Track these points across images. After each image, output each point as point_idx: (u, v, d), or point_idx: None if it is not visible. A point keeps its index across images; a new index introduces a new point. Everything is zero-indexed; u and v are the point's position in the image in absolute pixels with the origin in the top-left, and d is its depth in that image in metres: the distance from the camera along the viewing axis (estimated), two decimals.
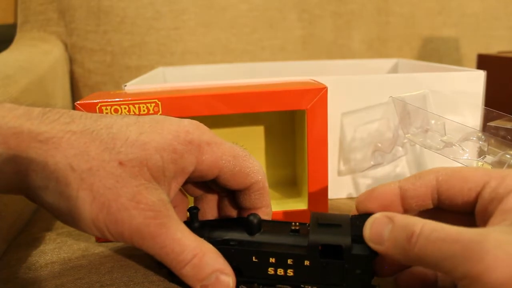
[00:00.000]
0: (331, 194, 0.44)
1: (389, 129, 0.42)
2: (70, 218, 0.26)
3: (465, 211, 0.26)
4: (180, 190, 0.32)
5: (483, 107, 0.42)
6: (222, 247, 0.28)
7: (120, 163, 0.26)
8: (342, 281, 0.27)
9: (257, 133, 0.45)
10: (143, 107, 0.35)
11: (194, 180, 0.31)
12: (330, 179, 0.39)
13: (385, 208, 0.27)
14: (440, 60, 0.83)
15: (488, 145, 0.37)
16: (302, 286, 0.28)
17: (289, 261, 0.28)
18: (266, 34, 0.77)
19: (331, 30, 0.79)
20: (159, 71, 0.60)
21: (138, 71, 0.72)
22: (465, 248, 0.21)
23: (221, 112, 0.36)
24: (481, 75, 0.43)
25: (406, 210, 0.28)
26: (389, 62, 0.63)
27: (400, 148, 0.42)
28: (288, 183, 0.46)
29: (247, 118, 0.44)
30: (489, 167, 0.36)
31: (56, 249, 0.36)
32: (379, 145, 0.42)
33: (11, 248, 0.37)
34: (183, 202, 0.33)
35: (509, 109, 0.41)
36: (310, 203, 0.39)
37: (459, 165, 0.36)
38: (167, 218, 0.26)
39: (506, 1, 0.84)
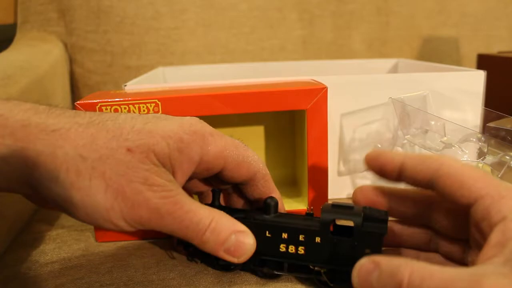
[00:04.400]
0: (331, 194, 0.44)
1: (389, 129, 0.42)
2: (83, 210, 0.25)
3: (456, 210, 0.27)
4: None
5: (483, 107, 0.42)
6: (239, 218, 0.29)
7: (128, 150, 0.26)
8: (351, 261, 0.27)
9: (257, 133, 0.45)
10: (143, 107, 0.35)
11: (201, 175, 0.31)
12: (330, 179, 0.39)
13: (382, 173, 0.29)
14: (440, 60, 0.83)
15: (488, 146, 0.37)
16: (311, 267, 0.29)
17: (301, 237, 0.29)
18: (266, 34, 0.77)
19: (331, 30, 0.79)
20: (159, 71, 0.60)
21: (138, 71, 0.72)
22: None
23: (221, 112, 0.36)
24: (481, 75, 0.43)
25: (399, 179, 0.29)
26: (389, 62, 0.63)
27: (399, 149, 0.42)
28: (288, 183, 0.46)
29: (247, 118, 0.44)
30: (489, 168, 0.36)
31: (56, 249, 0.36)
32: (379, 145, 0.42)
33: (11, 248, 0.37)
34: None
35: (509, 109, 0.41)
36: (310, 203, 0.39)
37: None
38: (180, 196, 0.27)
39: (506, 1, 0.84)
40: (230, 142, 0.30)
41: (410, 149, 0.44)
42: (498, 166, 0.36)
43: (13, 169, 0.24)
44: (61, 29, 0.73)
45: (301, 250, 0.29)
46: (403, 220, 0.31)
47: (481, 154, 0.37)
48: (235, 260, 0.28)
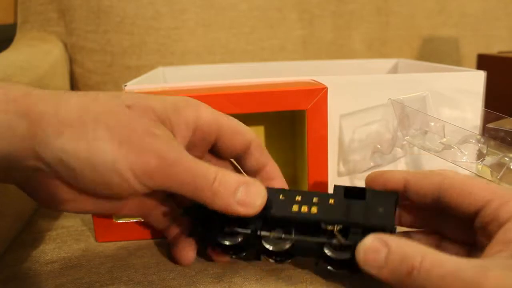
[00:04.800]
0: None
1: (389, 130, 0.42)
2: (88, 164, 0.25)
3: (463, 218, 0.27)
4: None
5: (483, 107, 0.42)
6: None
7: (128, 106, 0.26)
8: (365, 219, 0.27)
9: (257, 133, 0.45)
10: None
11: (198, 147, 0.31)
12: (330, 179, 0.39)
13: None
14: (440, 60, 0.83)
15: (487, 147, 0.37)
16: (323, 226, 0.28)
17: (314, 199, 0.29)
18: (266, 34, 0.77)
19: (331, 30, 0.79)
20: (159, 71, 0.60)
21: (138, 71, 0.72)
22: (466, 287, 0.21)
23: (221, 112, 0.36)
24: (481, 75, 0.43)
25: (405, 199, 0.29)
26: (389, 62, 0.63)
27: (399, 150, 0.42)
28: (288, 183, 0.46)
29: (247, 118, 0.44)
30: (488, 169, 0.36)
31: (56, 249, 0.36)
32: (379, 146, 0.42)
33: (11, 248, 0.37)
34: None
35: (509, 110, 0.41)
36: None
37: (458, 167, 0.36)
38: (182, 148, 0.27)
39: (506, 1, 0.84)
40: (221, 113, 0.31)
41: (410, 150, 0.44)
42: (497, 167, 0.36)
43: (17, 134, 0.24)
44: (61, 29, 0.73)
45: (314, 209, 0.28)
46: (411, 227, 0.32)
47: (480, 156, 0.37)
48: (250, 211, 0.27)
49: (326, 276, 0.31)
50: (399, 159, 0.43)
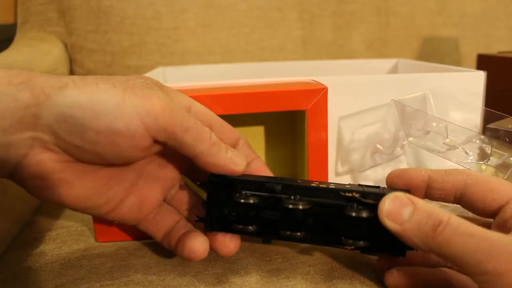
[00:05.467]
0: None
1: (389, 130, 0.42)
2: (93, 112, 0.25)
3: (482, 215, 0.27)
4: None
5: (483, 107, 0.42)
6: (267, 176, 0.31)
7: (128, 79, 0.27)
8: (382, 191, 0.28)
9: (257, 133, 0.45)
10: None
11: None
12: (330, 179, 0.39)
13: (409, 188, 0.29)
14: (440, 60, 0.83)
15: (492, 147, 0.37)
16: (341, 194, 0.28)
17: (331, 185, 0.30)
18: (266, 34, 0.77)
19: (331, 30, 0.79)
20: (159, 71, 0.60)
21: (138, 71, 0.72)
22: (493, 246, 0.22)
23: (221, 112, 0.36)
24: (481, 75, 0.43)
25: (428, 197, 0.29)
26: (389, 62, 0.63)
27: (399, 150, 0.42)
28: None
29: (247, 118, 0.44)
30: (493, 170, 0.36)
31: (56, 249, 0.36)
32: (379, 146, 0.42)
33: (11, 248, 0.37)
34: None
35: (510, 110, 0.41)
36: None
37: (459, 167, 0.36)
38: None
39: (506, 1, 0.84)
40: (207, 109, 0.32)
41: (411, 151, 0.44)
42: (503, 168, 0.36)
43: (20, 104, 0.24)
44: (61, 29, 0.73)
45: (331, 186, 0.29)
46: None
47: (484, 156, 0.37)
48: (239, 168, 0.29)
49: (327, 276, 0.31)
50: (399, 159, 0.43)
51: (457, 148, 0.37)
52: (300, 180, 0.31)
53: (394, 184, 0.30)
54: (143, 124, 0.25)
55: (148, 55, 0.73)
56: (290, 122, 0.45)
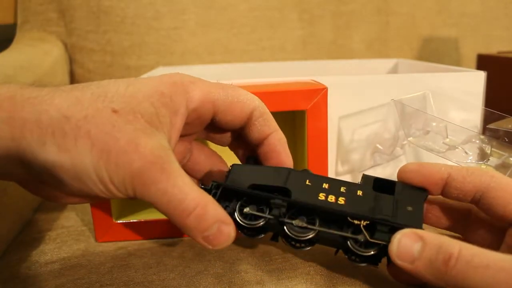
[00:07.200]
0: None
1: (389, 130, 0.42)
2: (73, 173, 0.24)
3: (500, 221, 0.26)
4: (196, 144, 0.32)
5: (483, 107, 0.42)
6: (279, 169, 0.29)
7: (114, 111, 0.25)
8: (392, 217, 0.27)
9: None
10: None
11: (196, 127, 0.30)
12: None
13: (425, 185, 0.28)
14: (440, 60, 0.83)
15: (491, 147, 0.37)
16: (350, 220, 0.27)
17: (342, 189, 0.28)
18: (266, 34, 0.77)
19: (331, 30, 0.79)
20: (159, 71, 0.60)
21: (138, 71, 0.72)
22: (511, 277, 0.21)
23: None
24: (481, 75, 0.43)
25: (443, 195, 0.28)
26: (389, 62, 0.63)
27: (399, 150, 0.42)
28: None
29: None
30: (493, 169, 0.36)
31: (56, 249, 0.36)
32: (379, 146, 0.42)
33: (11, 248, 0.37)
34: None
35: (510, 110, 0.41)
36: None
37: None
38: (168, 164, 0.25)
39: (506, 1, 0.84)
40: (215, 85, 0.29)
41: (411, 151, 0.44)
42: (502, 168, 0.36)
43: (2, 144, 0.24)
44: (61, 29, 0.73)
45: (341, 200, 0.27)
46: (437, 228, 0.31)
47: (483, 156, 0.37)
48: (209, 247, 0.26)
49: (327, 276, 0.31)
50: (399, 159, 0.43)
51: (457, 148, 0.37)
52: (311, 174, 0.29)
53: (409, 179, 0.29)
54: (122, 193, 0.25)
55: (148, 55, 0.73)
56: (290, 122, 0.45)
